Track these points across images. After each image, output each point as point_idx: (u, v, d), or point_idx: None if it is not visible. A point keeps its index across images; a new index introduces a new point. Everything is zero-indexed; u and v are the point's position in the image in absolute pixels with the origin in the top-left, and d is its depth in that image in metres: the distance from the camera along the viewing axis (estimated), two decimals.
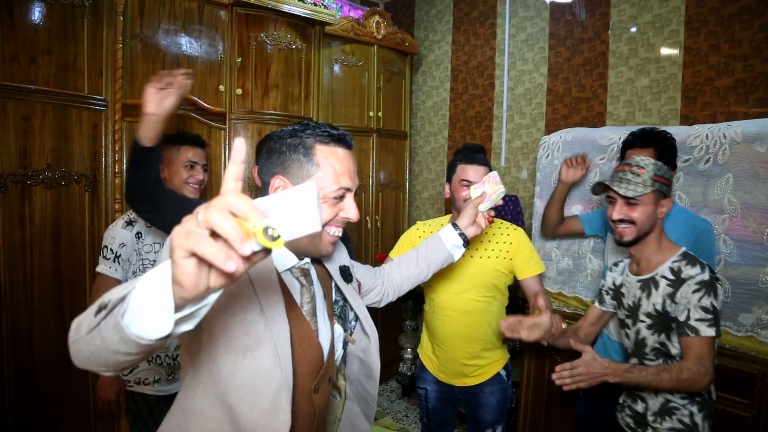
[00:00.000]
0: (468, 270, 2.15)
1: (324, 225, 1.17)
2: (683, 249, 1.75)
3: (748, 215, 2.17)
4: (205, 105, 2.98)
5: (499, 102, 3.75)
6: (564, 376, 1.62)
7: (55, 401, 2.54)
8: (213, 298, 0.71)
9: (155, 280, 0.67)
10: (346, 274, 1.37)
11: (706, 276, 1.63)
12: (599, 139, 2.62)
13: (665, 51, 2.90)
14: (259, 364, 1.04)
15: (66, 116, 2.53)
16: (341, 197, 1.18)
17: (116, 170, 2.67)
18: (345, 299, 1.34)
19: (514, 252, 2.16)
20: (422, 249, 1.73)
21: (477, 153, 2.15)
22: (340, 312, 1.34)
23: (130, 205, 1.71)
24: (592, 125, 3.19)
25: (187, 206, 1.64)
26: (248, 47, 3.13)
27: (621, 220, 1.71)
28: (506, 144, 3.70)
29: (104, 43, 2.64)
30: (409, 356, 3.89)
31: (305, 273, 1.22)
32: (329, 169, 1.14)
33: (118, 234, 2.08)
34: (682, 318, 1.62)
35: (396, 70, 3.98)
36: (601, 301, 1.97)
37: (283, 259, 1.18)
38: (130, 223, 2.11)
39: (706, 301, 1.59)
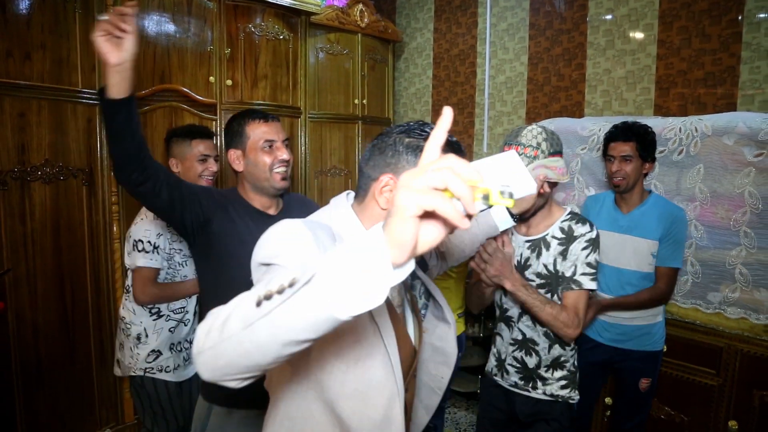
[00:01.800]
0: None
1: None
2: (569, 209, 1.83)
3: (717, 203, 2.35)
4: (196, 96, 3.01)
5: (480, 90, 3.87)
6: (482, 255, 1.71)
7: (61, 390, 2.61)
8: (413, 264, 0.68)
9: (357, 250, 0.64)
10: (422, 261, 1.37)
11: (594, 234, 1.73)
12: (580, 130, 2.77)
13: (640, 43, 3.05)
14: (371, 374, 1.00)
15: (61, 111, 2.56)
16: None
17: (112, 164, 2.70)
18: (427, 289, 1.31)
19: None
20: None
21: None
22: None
23: (123, 182, 1.52)
24: (571, 114, 3.34)
25: (179, 183, 1.62)
26: (237, 38, 3.16)
27: None
28: (488, 131, 3.83)
29: None
30: None
31: None
32: None
33: (153, 226, 2.12)
34: (568, 273, 1.72)
35: (379, 57, 4.05)
36: None
37: None
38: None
39: (592, 257, 1.72)
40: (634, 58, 3.08)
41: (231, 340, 0.72)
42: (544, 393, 1.82)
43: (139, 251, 2.09)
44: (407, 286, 1.24)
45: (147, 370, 2.16)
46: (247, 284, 1.65)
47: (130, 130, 1.46)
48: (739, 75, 2.71)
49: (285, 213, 1.79)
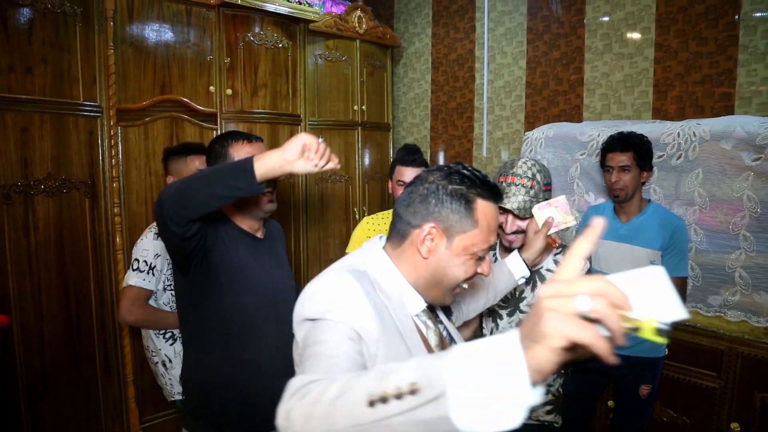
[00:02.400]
0: None
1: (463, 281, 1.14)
2: (560, 241, 1.84)
3: (716, 207, 2.37)
4: (197, 106, 3.03)
5: (479, 94, 3.88)
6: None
7: (67, 400, 2.63)
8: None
9: (495, 375, 0.58)
10: (447, 308, 1.37)
11: (588, 266, 1.77)
12: (579, 135, 2.78)
13: (637, 47, 3.06)
14: None
15: (63, 124, 2.58)
16: (483, 257, 1.14)
17: (113, 175, 2.72)
18: (450, 335, 1.29)
19: None
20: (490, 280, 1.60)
21: (413, 155, 2.32)
22: None
23: (175, 217, 1.39)
24: (569, 117, 3.35)
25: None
26: (236, 47, 3.18)
27: (514, 232, 1.76)
28: (487, 135, 3.84)
29: (96, 49, 2.67)
30: None
31: (428, 314, 1.19)
32: (485, 226, 1.09)
33: (152, 245, 2.12)
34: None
35: (378, 63, 4.06)
36: None
37: (414, 302, 1.14)
38: (159, 234, 2.14)
39: (589, 268, 1.79)
40: (632, 61, 3.09)
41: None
42: (530, 418, 1.83)
43: (133, 270, 2.09)
44: (441, 337, 1.22)
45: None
46: (242, 314, 1.61)
47: (233, 198, 1.44)
48: (736, 77, 2.72)
49: (269, 238, 1.79)
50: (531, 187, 1.69)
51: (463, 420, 0.59)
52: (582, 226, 2.62)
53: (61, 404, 2.61)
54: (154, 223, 2.21)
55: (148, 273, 2.09)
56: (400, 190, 2.24)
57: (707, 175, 2.38)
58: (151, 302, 2.17)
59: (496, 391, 0.58)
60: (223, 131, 3.15)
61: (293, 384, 0.78)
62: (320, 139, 1.40)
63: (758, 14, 2.60)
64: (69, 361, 2.64)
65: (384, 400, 0.64)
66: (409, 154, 2.32)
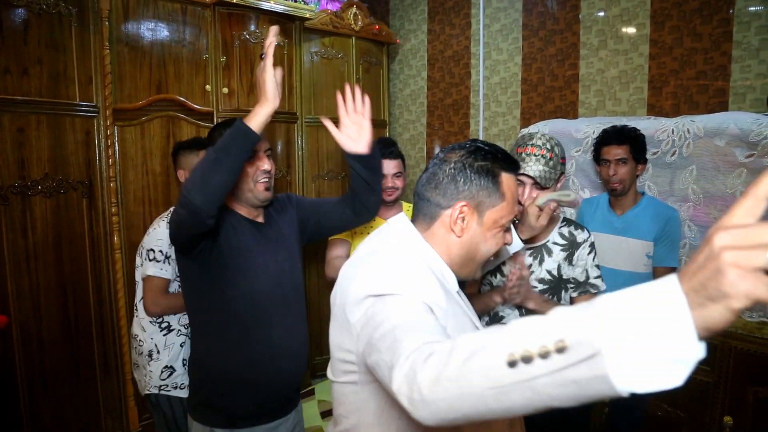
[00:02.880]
0: None
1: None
2: (561, 215, 1.86)
3: (709, 203, 2.39)
4: (193, 105, 3.04)
5: (475, 90, 3.89)
6: (514, 281, 1.63)
7: (66, 400, 2.65)
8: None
9: (658, 333, 0.53)
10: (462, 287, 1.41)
11: (592, 237, 1.81)
12: (574, 132, 2.79)
13: (632, 43, 3.07)
14: None
15: (60, 125, 2.58)
16: (509, 227, 1.17)
17: (111, 175, 2.73)
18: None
19: None
20: None
21: (390, 147, 2.44)
22: None
23: (200, 213, 1.38)
24: (565, 114, 3.37)
25: None
26: (232, 46, 3.18)
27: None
28: (483, 131, 3.85)
29: (92, 49, 2.67)
30: None
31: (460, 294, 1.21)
32: (510, 198, 1.12)
33: (165, 235, 2.07)
34: (582, 278, 1.79)
35: (374, 60, 4.07)
36: None
37: (453, 280, 1.15)
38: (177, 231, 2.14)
39: (596, 260, 1.82)
40: (627, 57, 3.10)
41: (471, 397, 0.65)
42: None
43: (150, 260, 2.08)
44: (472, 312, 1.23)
45: (161, 387, 2.14)
46: (251, 297, 1.61)
47: (240, 165, 1.46)
48: (730, 73, 2.73)
49: (270, 222, 1.77)
50: (550, 158, 1.71)
51: (623, 379, 0.54)
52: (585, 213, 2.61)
53: (61, 403, 2.63)
54: (166, 212, 2.19)
55: (164, 262, 2.08)
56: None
57: (701, 171, 2.40)
58: None
59: (658, 348, 0.52)
60: None
61: (405, 347, 0.74)
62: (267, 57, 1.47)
63: (752, 9, 2.61)
64: (68, 361, 2.65)
65: (527, 359, 0.60)
66: (387, 147, 2.43)
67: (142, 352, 2.17)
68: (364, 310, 0.94)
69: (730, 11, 2.68)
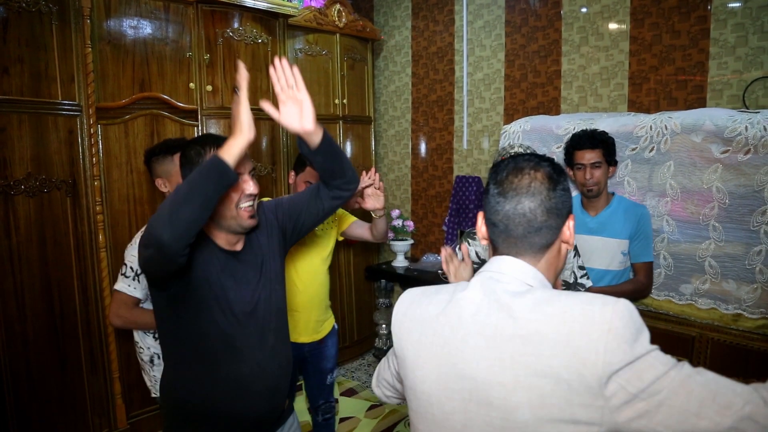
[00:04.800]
0: (320, 242, 2.54)
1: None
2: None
3: (687, 198, 2.44)
4: (177, 103, 3.03)
5: (459, 87, 3.91)
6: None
7: (53, 400, 2.65)
8: None
9: None
10: None
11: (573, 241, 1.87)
12: (555, 128, 2.83)
13: (613, 40, 3.11)
14: None
15: (42, 124, 2.57)
16: None
17: (95, 173, 2.72)
18: None
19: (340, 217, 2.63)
20: None
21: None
22: None
23: (167, 250, 1.26)
24: (547, 110, 3.40)
25: None
26: (216, 43, 3.17)
27: None
28: (467, 127, 3.88)
29: (74, 47, 2.66)
30: (384, 331, 4.13)
31: None
32: None
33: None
34: (570, 280, 1.86)
35: (358, 57, 4.08)
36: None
37: None
38: (144, 266, 2.07)
39: (579, 260, 1.89)
40: (608, 54, 3.14)
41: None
42: None
43: (121, 274, 2.04)
44: None
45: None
46: (217, 332, 1.52)
47: (214, 201, 1.34)
48: (708, 70, 2.78)
49: (251, 244, 1.63)
50: None
51: None
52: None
53: (47, 403, 2.63)
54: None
55: (133, 279, 2.02)
56: (303, 188, 2.40)
57: (678, 167, 2.45)
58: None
59: None
60: (204, 128, 3.15)
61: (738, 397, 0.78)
62: (240, 92, 1.40)
63: (729, 6, 2.66)
64: (54, 360, 2.66)
65: None
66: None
67: (143, 359, 2.17)
68: (628, 379, 0.82)
69: (708, 8, 2.73)
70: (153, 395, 2.19)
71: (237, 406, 1.56)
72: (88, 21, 2.64)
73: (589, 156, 2.34)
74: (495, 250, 1.05)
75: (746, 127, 2.24)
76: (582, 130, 2.43)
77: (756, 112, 2.28)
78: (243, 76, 1.40)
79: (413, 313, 1.04)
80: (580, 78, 3.27)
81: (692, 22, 2.80)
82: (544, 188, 0.99)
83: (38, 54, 2.55)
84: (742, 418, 0.76)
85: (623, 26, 3.06)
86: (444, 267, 1.60)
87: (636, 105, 3.04)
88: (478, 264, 1.96)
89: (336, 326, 2.69)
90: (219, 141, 1.48)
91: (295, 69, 1.47)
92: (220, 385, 1.54)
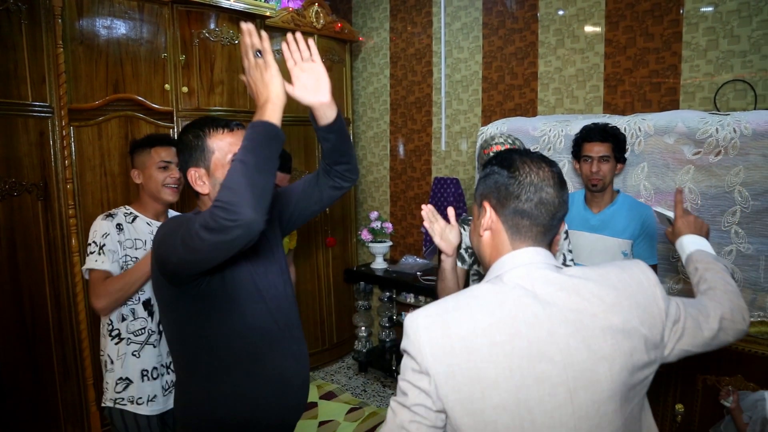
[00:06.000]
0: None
1: None
2: None
3: (660, 199, 2.47)
4: (152, 105, 2.99)
5: (437, 88, 3.93)
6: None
7: (25, 406, 2.60)
8: None
9: None
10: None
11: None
12: (531, 130, 2.85)
13: (588, 42, 3.15)
14: None
15: (11, 126, 2.52)
16: None
17: (67, 176, 2.67)
18: None
19: None
20: None
21: (288, 162, 2.58)
22: None
23: (255, 223, 1.15)
24: (524, 111, 3.43)
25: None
26: (191, 44, 3.14)
27: None
28: (446, 129, 3.90)
29: (44, 47, 2.61)
30: (364, 334, 4.13)
31: None
32: None
33: (99, 226, 1.93)
34: (560, 264, 1.87)
35: (337, 58, 4.07)
36: (462, 261, 1.96)
37: None
38: (109, 215, 1.97)
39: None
40: (584, 56, 3.18)
41: None
42: None
43: (89, 253, 1.91)
44: None
45: (117, 401, 1.94)
46: (260, 326, 1.44)
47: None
48: (680, 72, 2.83)
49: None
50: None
51: None
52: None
53: (19, 411, 2.57)
54: (101, 215, 2.01)
55: (99, 253, 1.89)
56: None
57: (652, 168, 2.48)
58: None
59: None
60: (180, 130, 3.11)
61: None
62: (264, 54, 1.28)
63: (700, 10, 2.70)
64: (25, 367, 2.60)
65: None
66: (286, 162, 2.57)
67: (103, 362, 2.02)
68: (672, 318, 1.04)
69: (680, 12, 2.77)
70: (102, 405, 2.00)
71: (283, 408, 1.48)
72: (60, 20, 2.59)
73: (597, 149, 2.29)
74: (507, 240, 1.05)
75: (717, 129, 2.28)
76: (593, 123, 2.37)
77: (726, 115, 2.32)
78: (264, 37, 1.28)
79: (459, 332, 0.94)
80: (557, 80, 3.30)
81: (665, 25, 2.85)
82: (561, 181, 1.06)
83: (6, 54, 2.50)
84: (722, 319, 1.08)
85: (598, 29, 3.10)
86: (427, 225, 1.59)
87: (611, 107, 3.08)
88: (472, 248, 1.90)
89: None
90: (217, 122, 1.44)
91: (310, 40, 1.42)
92: (267, 388, 1.45)
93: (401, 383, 0.96)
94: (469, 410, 0.92)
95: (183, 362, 1.47)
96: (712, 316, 1.08)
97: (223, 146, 1.41)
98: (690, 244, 1.42)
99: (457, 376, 0.91)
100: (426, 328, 0.95)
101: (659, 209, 1.77)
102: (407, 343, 0.97)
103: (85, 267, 1.92)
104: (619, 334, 0.94)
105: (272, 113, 1.22)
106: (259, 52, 1.27)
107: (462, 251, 1.96)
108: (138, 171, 2.08)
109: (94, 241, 1.93)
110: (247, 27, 1.28)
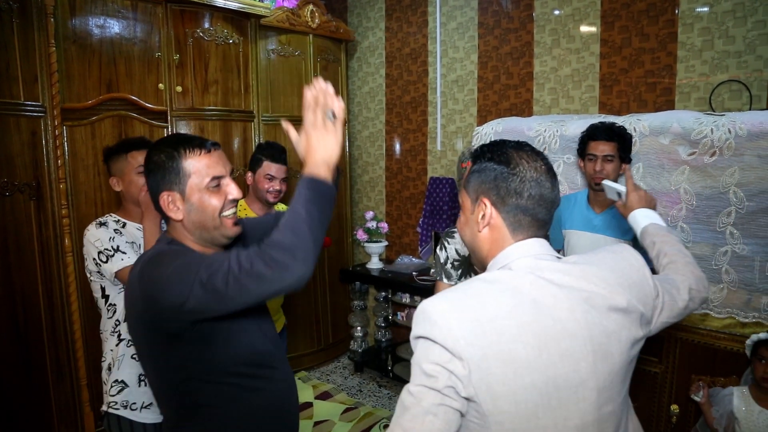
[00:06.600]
0: None
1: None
2: None
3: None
4: (146, 104, 2.98)
5: (433, 88, 3.92)
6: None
7: (18, 407, 2.58)
8: None
9: None
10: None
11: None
12: (526, 130, 2.85)
13: (584, 42, 3.14)
14: None
15: (3, 125, 2.50)
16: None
17: (60, 176, 2.66)
18: None
19: None
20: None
21: (282, 154, 2.55)
22: None
23: (306, 277, 1.10)
24: (520, 111, 3.42)
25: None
26: (185, 44, 3.12)
27: None
28: (441, 129, 3.89)
29: (37, 46, 2.59)
30: (359, 334, 4.12)
31: None
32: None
33: (100, 233, 1.87)
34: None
35: (332, 57, 4.05)
36: (448, 276, 1.87)
37: None
38: (102, 224, 1.91)
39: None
40: (579, 56, 3.17)
41: None
42: None
43: (107, 258, 1.83)
44: None
45: (111, 404, 1.85)
46: (258, 356, 1.37)
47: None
48: (676, 73, 2.82)
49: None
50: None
51: None
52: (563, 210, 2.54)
53: (12, 412, 2.55)
54: (91, 223, 1.94)
55: (119, 252, 1.83)
56: (266, 183, 2.49)
57: (647, 168, 2.48)
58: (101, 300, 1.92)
59: None
60: (174, 129, 3.10)
61: None
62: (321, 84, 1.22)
63: (697, 10, 2.70)
64: (18, 368, 2.58)
65: None
66: (279, 153, 2.54)
67: (105, 367, 1.94)
68: (658, 293, 1.13)
69: (676, 12, 2.77)
70: (103, 410, 1.89)
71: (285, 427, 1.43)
72: (52, 19, 2.58)
73: (602, 147, 2.27)
74: (508, 234, 1.07)
75: (712, 129, 2.28)
76: (600, 122, 2.35)
77: (721, 115, 2.32)
78: (341, 106, 1.22)
79: (487, 315, 0.93)
80: (552, 80, 3.30)
81: (660, 25, 2.85)
82: (554, 173, 1.10)
83: None
84: (690, 290, 1.20)
85: (594, 29, 3.09)
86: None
87: (607, 107, 3.07)
88: (459, 261, 1.87)
89: (286, 324, 2.74)
90: (192, 141, 1.31)
91: (329, 85, 1.26)
92: (267, 416, 1.37)
93: (426, 367, 0.91)
94: (500, 393, 0.91)
95: (178, 409, 1.33)
96: (682, 289, 1.19)
97: (201, 169, 1.29)
98: (644, 218, 1.52)
99: (489, 359, 0.90)
100: (455, 312, 0.93)
101: (609, 183, 1.80)
102: (432, 328, 0.92)
103: (112, 270, 1.81)
104: (622, 312, 1.03)
105: (328, 175, 1.17)
106: (334, 114, 1.21)
107: (448, 267, 1.87)
108: (116, 178, 2.00)
109: (105, 248, 1.85)
110: (325, 86, 1.21)
